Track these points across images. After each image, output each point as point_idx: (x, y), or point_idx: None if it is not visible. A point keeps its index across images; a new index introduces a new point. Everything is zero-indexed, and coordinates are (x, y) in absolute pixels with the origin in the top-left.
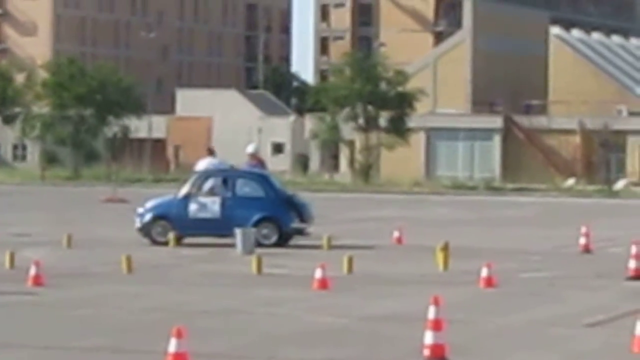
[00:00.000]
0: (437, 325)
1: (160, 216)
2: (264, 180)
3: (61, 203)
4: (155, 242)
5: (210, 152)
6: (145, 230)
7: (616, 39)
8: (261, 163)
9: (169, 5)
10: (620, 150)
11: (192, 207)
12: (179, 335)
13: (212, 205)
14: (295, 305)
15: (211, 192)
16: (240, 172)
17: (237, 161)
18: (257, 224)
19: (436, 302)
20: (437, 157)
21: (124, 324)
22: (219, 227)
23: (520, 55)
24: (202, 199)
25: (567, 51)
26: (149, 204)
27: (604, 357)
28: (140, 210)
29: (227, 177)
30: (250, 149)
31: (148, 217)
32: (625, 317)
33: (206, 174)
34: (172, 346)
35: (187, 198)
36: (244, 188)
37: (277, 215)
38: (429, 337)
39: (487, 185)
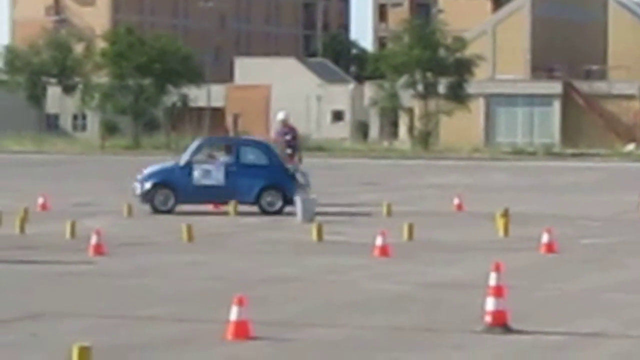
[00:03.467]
0: (498, 292)
1: (162, 183)
2: (267, 148)
3: (121, 172)
4: (156, 210)
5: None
6: (146, 197)
7: None
8: (292, 130)
9: None
10: None
11: (196, 174)
12: (240, 303)
13: (217, 173)
14: (355, 273)
15: (215, 160)
16: (243, 139)
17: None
18: (261, 191)
19: (497, 269)
20: (497, 124)
21: (184, 293)
22: (223, 195)
23: (579, 21)
24: (206, 166)
25: (626, 16)
26: (148, 170)
27: None
28: (140, 177)
29: (230, 144)
30: (280, 115)
31: (148, 184)
32: None
33: (210, 141)
34: (234, 314)
35: (190, 165)
36: (248, 156)
37: (282, 183)
38: (490, 304)
39: (547, 151)
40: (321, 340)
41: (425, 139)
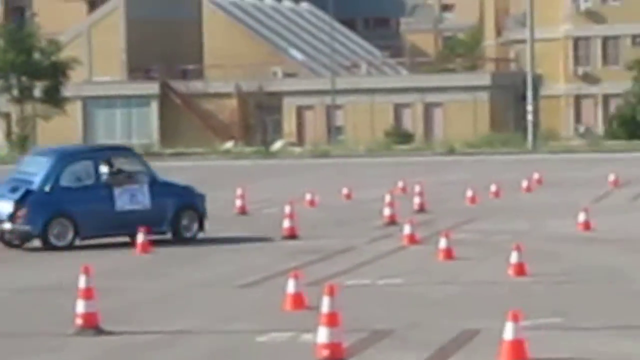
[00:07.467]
0: (88, 294)
1: None
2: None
3: None
4: None
5: None
6: None
7: (269, 2)
8: None
9: None
10: (277, 112)
11: None
12: None
13: None
14: None
15: None
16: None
17: None
18: None
19: (86, 271)
20: (95, 125)
21: None
22: None
23: (174, 21)
24: None
25: (221, 15)
26: None
27: (257, 317)
28: None
29: None
30: None
31: None
32: (279, 276)
33: None
34: None
35: None
36: None
37: None
38: (80, 306)
39: (146, 151)
40: None
41: (22, 144)
